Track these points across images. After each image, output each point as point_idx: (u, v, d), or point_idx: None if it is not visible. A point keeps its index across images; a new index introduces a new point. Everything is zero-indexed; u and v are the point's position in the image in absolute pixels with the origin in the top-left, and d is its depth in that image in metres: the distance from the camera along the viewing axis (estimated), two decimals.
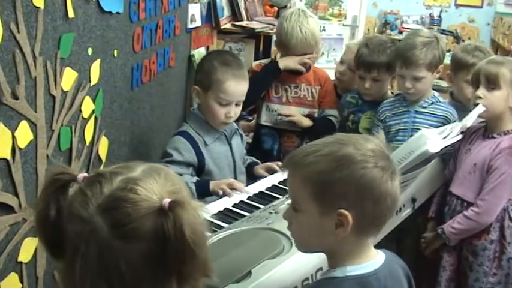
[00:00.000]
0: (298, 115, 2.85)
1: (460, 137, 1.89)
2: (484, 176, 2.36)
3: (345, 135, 1.37)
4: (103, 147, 2.06)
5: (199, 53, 3.20)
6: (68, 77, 1.73)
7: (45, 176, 1.18)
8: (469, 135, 2.46)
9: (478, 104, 2.29)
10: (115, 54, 2.07)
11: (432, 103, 2.58)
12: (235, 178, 2.30)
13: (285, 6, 3.85)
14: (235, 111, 2.27)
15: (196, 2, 3.04)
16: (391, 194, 1.27)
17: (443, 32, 7.82)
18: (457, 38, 7.46)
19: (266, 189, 2.17)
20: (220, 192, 2.07)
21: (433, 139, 1.61)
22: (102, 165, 2.07)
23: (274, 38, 3.64)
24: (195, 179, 2.17)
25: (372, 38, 2.79)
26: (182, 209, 1.00)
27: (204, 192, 2.11)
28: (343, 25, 5.29)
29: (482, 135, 2.41)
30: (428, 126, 2.54)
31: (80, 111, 1.84)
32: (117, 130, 2.19)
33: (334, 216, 1.27)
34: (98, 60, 1.93)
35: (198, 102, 2.30)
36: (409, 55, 2.49)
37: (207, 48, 3.43)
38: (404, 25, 8.07)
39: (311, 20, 2.76)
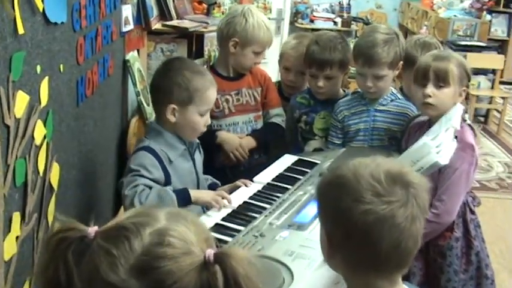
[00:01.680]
0: (237, 144, 2.60)
1: (455, 142, 1.83)
2: (436, 174, 2.30)
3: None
4: (55, 174, 1.84)
5: (133, 57, 2.98)
6: (20, 102, 1.50)
7: (48, 235, 0.98)
8: (413, 132, 2.40)
9: (427, 103, 2.24)
10: (61, 69, 1.84)
11: (392, 100, 2.52)
12: None
13: (214, 3, 3.70)
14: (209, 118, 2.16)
15: (128, 3, 2.82)
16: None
17: (354, 19, 7.95)
18: (368, 25, 7.56)
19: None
20: (213, 203, 1.94)
21: (438, 149, 1.53)
22: (54, 195, 1.84)
23: (210, 35, 3.48)
24: (170, 187, 2.02)
25: (321, 35, 2.69)
26: (232, 260, 0.86)
27: (184, 201, 1.97)
28: (269, 19, 5.18)
29: (427, 131, 2.35)
30: (389, 125, 2.48)
31: (33, 138, 1.61)
32: (66, 153, 1.96)
33: None
34: (46, 78, 1.70)
35: (173, 121, 2.08)
36: (371, 53, 2.41)
37: (138, 51, 3.21)
38: (315, 13, 8.13)
39: (265, 17, 2.68)
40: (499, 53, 6.98)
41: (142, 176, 1.97)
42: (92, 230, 0.92)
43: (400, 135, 2.50)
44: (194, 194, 1.99)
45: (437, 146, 1.55)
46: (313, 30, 7.90)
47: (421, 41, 2.67)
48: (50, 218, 1.83)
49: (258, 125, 2.70)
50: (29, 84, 1.56)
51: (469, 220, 2.36)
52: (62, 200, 1.94)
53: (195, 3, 3.63)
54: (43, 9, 1.61)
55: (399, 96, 2.55)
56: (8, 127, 1.43)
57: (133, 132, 2.86)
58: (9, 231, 1.50)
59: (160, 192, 1.93)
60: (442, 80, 2.21)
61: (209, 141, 2.35)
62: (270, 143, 2.76)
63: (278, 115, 2.79)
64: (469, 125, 2.27)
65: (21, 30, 1.45)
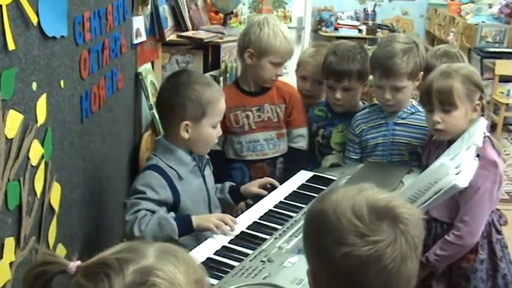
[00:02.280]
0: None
1: (477, 161, 1.70)
2: (457, 193, 2.13)
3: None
4: (55, 194, 1.76)
5: (146, 69, 2.91)
6: (12, 122, 1.43)
7: (27, 268, 0.91)
8: (433, 149, 2.26)
9: (438, 130, 2.10)
10: (62, 85, 1.77)
11: (412, 113, 2.39)
12: (210, 213, 2.04)
13: (231, 13, 3.61)
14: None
15: (139, 14, 2.75)
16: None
17: (379, 26, 7.81)
18: (393, 32, 7.41)
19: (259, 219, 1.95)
20: (214, 229, 1.82)
21: (458, 169, 1.40)
22: (55, 216, 1.77)
23: (227, 46, 3.40)
24: (172, 214, 1.90)
25: (339, 45, 2.57)
26: None
27: (186, 230, 1.86)
28: (289, 27, 5.08)
29: (448, 148, 2.20)
30: (409, 139, 2.36)
31: (28, 158, 1.53)
32: (68, 172, 1.88)
33: None
34: (44, 95, 1.62)
35: (186, 138, 1.98)
36: (389, 64, 2.28)
37: (152, 63, 3.14)
38: (339, 21, 8.01)
39: (285, 26, 2.56)
40: None
41: (146, 198, 1.88)
42: (73, 265, 0.85)
43: (421, 150, 2.37)
44: (196, 220, 1.88)
45: (456, 166, 1.43)
46: (337, 38, 7.79)
47: (442, 50, 2.54)
48: (51, 241, 1.75)
49: (281, 143, 2.56)
50: (22, 102, 1.49)
51: (494, 241, 2.20)
52: (65, 221, 1.87)
53: (212, 14, 3.55)
54: (38, 23, 1.54)
55: (419, 109, 2.40)
56: None
57: (146, 147, 2.79)
58: (1, 257, 1.43)
59: (161, 220, 1.83)
60: (447, 104, 2.05)
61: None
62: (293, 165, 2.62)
63: (301, 136, 2.64)
64: (488, 137, 2.11)
65: (11, 46, 1.38)
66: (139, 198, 1.88)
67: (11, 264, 1.48)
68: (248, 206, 2.17)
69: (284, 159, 2.59)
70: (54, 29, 1.65)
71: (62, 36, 1.74)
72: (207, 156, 2.12)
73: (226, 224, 1.84)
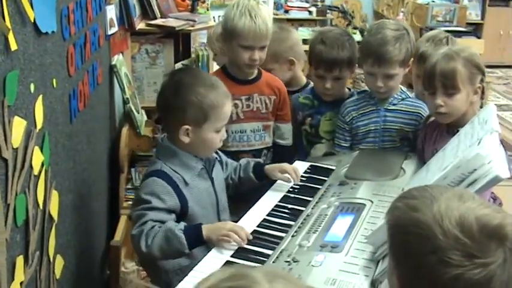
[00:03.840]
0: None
1: (503, 149, 1.66)
2: None
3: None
4: (54, 203, 1.64)
5: (120, 61, 2.76)
6: (17, 129, 1.30)
7: None
8: (430, 132, 2.23)
9: (440, 113, 2.07)
10: (54, 84, 1.64)
11: (402, 99, 2.33)
12: (219, 218, 1.92)
13: None
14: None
15: (111, 3, 2.60)
16: None
17: (329, 7, 7.78)
18: (344, 13, 7.40)
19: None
20: (229, 241, 1.65)
21: (489, 158, 1.36)
22: (53, 225, 1.64)
23: (196, 34, 3.29)
24: (182, 225, 1.75)
25: (326, 33, 2.47)
26: None
27: (196, 242, 1.70)
28: None
29: (446, 131, 2.16)
30: (401, 125, 2.31)
31: (31, 167, 1.40)
32: (62, 177, 1.76)
33: None
34: (40, 97, 1.49)
35: (187, 142, 1.83)
36: (382, 52, 2.20)
37: (122, 54, 2.98)
38: (289, 3, 7.94)
39: (262, 7, 2.38)
40: (477, 37, 6.91)
41: (153, 208, 1.74)
42: None
43: (413, 136, 2.34)
44: (206, 232, 1.70)
45: (487, 155, 1.39)
46: (288, 20, 7.73)
47: (437, 38, 2.47)
48: (51, 253, 1.62)
49: (266, 136, 2.44)
50: (24, 106, 1.36)
51: None
52: (61, 230, 1.74)
53: (178, 0, 3.41)
54: (34, 19, 1.40)
55: (409, 94, 2.36)
56: (6, 161, 1.23)
57: (125, 142, 2.66)
58: (13, 279, 1.30)
59: (168, 233, 1.68)
60: (450, 87, 2.01)
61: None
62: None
63: (289, 131, 2.53)
64: None
65: (13, 46, 1.25)
66: (145, 208, 1.73)
67: (21, 284, 1.35)
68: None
69: (272, 156, 2.48)
70: (47, 24, 1.52)
71: (53, 32, 1.60)
72: (216, 156, 1.99)
73: (238, 235, 1.69)
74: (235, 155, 2.38)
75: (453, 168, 1.39)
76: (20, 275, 1.34)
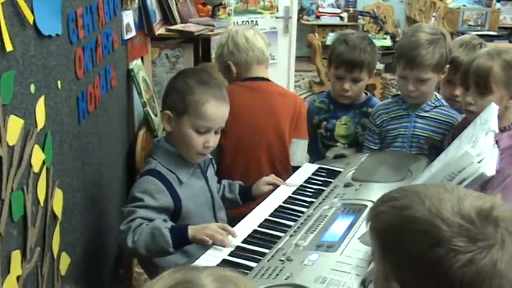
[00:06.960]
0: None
1: (497, 148, 1.63)
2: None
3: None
4: (58, 201, 1.68)
5: (137, 66, 2.82)
6: (14, 128, 1.34)
7: None
8: (457, 134, 2.18)
9: (470, 111, 2.02)
10: (59, 86, 1.68)
11: (435, 107, 2.30)
12: (215, 216, 1.95)
13: (220, 4, 3.52)
14: (215, 140, 1.91)
15: (128, 9, 2.66)
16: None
17: (360, 13, 7.76)
18: (375, 18, 7.39)
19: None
20: (209, 241, 1.67)
21: (480, 157, 1.35)
22: (58, 224, 1.68)
23: (216, 39, 3.33)
24: (170, 224, 1.78)
25: (348, 35, 2.47)
26: None
27: (182, 241, 1.72)
28: (276, 17, 5.00)
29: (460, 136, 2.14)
30: (430, 133, 2.28)
31: (30, 165, 1.45)
32: (69, 176, 1.80)
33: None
34: (42, 98, 1.54)
35: (168, 130, 1.89)
36: (413, 55, 2.18)
37: (142, 59, 3.05)
38: (320, 9, 7.96)
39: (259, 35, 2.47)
40: (510, 41, 6.77)
41: (144, 206, 1.78)
42: None
43: (441, 145, 2.29)
44: (191, 232, 1.71)
45: (478, 154, 1.37)
46: (319, 26, 7.74)
47: (472, 44, 2.42)
48: (55, 250, 1.67)
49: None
50: (22, 106, 1.40)
51: None
52: (67, 228, 1.79)
53: (199, 6, 3.45)
54: (34, 22, 1.45)
55: (443, 102, 2.33)
56: (0, 158, 1.27)
57: (142, 145, 2.70)
58: (9, 272, 1.35)
59: (154, 231, 1.71)
60: (482, 87, 1.96)
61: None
62: None
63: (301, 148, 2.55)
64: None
65: (9, 47, 1.29)
66: (136, 206, 1.78)
67: (18, 278, 1.40)
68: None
69: None
70: (49, 27, 1.56)
71: (57, 35, 1.65)
72: (210, 156, 2.03)
73: (225, 232, 1.69)
74: None
75: (443, 167, 1.39)
76: (16, 269, 1.38)
